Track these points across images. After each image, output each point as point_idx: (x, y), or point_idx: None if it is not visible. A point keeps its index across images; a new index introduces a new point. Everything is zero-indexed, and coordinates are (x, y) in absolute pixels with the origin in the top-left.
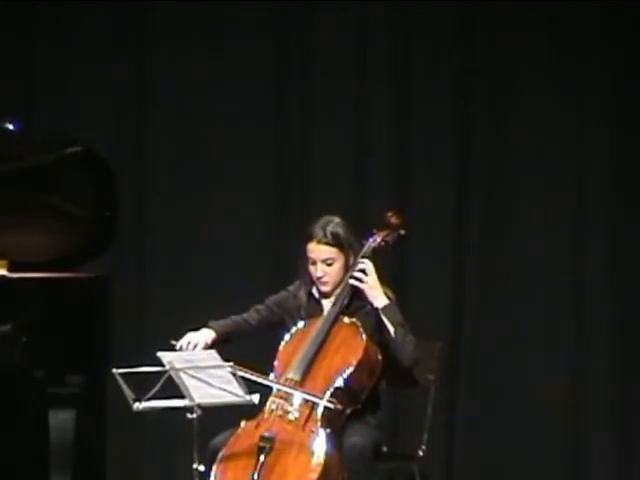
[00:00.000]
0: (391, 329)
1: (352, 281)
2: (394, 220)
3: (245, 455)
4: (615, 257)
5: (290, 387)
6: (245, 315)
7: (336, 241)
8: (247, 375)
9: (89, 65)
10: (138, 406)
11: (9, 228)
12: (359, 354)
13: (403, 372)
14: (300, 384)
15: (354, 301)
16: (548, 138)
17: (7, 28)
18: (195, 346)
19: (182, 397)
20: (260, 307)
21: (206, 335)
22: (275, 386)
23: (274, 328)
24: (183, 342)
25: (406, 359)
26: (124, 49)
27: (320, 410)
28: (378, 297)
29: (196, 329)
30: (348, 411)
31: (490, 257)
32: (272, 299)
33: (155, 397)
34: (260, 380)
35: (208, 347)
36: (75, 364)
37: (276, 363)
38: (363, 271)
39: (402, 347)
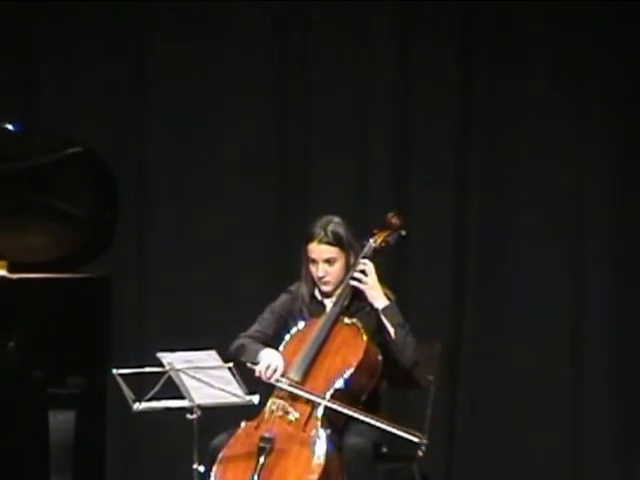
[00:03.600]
0: (391, 330)
1: (352, 281)
2: (395, 221)
3: (245, 456)
4: (615, 257)
5: (294, 386)
6: (257, 327)
7: (337, 240)
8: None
9: (89, 65)
10: (138, 406)
11: (9, 229)
12: (359, 355)
13: (403, 373)
14: (300, 385)
15: (355, 302)
16: (548, 138)
17: (7, 28)
18: (275, 370)
19: (182, 398)
20: (267, 315)
21: (281, 358)
22: (278, 385)
23: (281, 333)
24: (262, 367)
25: (406, 360)
26: (125, 50)
27: (320, 411)
28: (378, 298)
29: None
30: None
31: (490, 257)
32: (276, 305)
33: (155, 398)
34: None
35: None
36: (75, 365)
37: None
38: (363, 272)
39: (402, 348)
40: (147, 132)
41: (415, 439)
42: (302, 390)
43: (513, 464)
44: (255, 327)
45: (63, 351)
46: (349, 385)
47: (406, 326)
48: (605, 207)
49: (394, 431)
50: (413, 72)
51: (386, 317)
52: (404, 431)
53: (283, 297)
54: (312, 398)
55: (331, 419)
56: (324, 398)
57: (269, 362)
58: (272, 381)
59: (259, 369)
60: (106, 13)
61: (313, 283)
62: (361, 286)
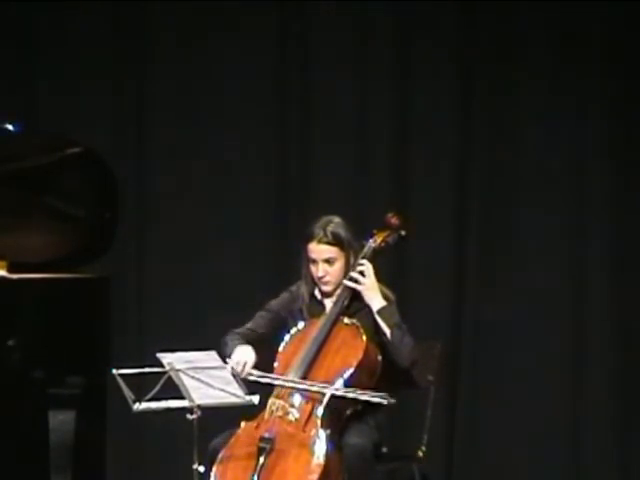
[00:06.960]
0: (387, 331)
1: (349, 282)
2: (395, 221)
3: (245, 456)
4: (615, 259)
5: (295, 382)
6: (250, 325)
7: (337, 240)
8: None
9: (89, 65)
10: (138, 407)
11: (9, 229)
12: (359, 355)
13: (402, 374)
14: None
15: (355, 302)
16: (549, 137)
17: (7, 29)
18: (244, 365)
19: (182, 398)
20: (263, 313)
21: (252, 353)
22: (278, 383)
23: (279, 332)
24: (233, 363)
25: (403, 360)
26: (125, 50)
27: (320, 411)
28: (375, 299)
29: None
30: (348, 412)
31: (490, 257)
32: (275, 303)
33: (155, 398)
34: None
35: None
36: (75, 365)
37: (276, 364)
38: (362, 272)
39: (399, 349)
40: (147, 132)
41: (384, 401)
42: (274, 378)
43: (513, 464)
44: (248, 325)
45: (63, 351)
46: (349, 385)
47: (403, 327)
48: (605, 207)
49: (367, 398)
50: (413, 72)
51: (382, 318)
52: (373, 396)
53: (283, 296)
54: (283, 384)
55: (331, 419)
56: (302, 383)
57: (238, 358)
58: (243, 375)
59: (230, 365)
60: (106, 13)
61: (313, 283)
62: (358, 287)
